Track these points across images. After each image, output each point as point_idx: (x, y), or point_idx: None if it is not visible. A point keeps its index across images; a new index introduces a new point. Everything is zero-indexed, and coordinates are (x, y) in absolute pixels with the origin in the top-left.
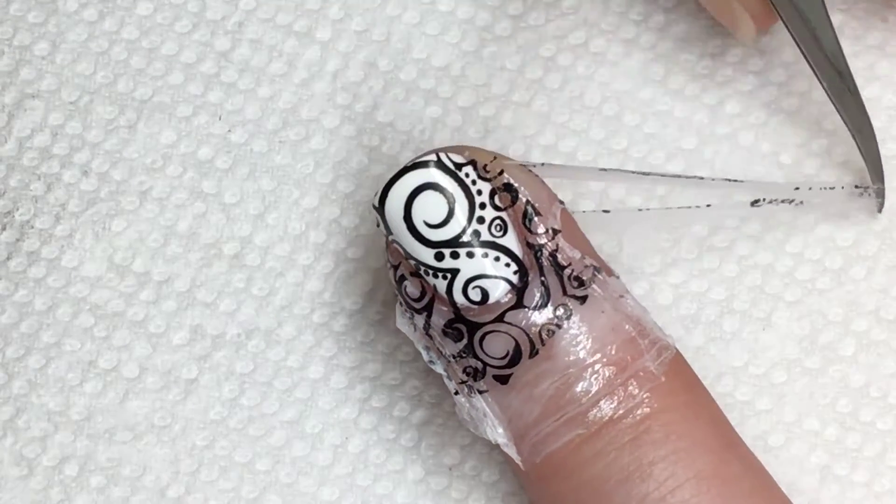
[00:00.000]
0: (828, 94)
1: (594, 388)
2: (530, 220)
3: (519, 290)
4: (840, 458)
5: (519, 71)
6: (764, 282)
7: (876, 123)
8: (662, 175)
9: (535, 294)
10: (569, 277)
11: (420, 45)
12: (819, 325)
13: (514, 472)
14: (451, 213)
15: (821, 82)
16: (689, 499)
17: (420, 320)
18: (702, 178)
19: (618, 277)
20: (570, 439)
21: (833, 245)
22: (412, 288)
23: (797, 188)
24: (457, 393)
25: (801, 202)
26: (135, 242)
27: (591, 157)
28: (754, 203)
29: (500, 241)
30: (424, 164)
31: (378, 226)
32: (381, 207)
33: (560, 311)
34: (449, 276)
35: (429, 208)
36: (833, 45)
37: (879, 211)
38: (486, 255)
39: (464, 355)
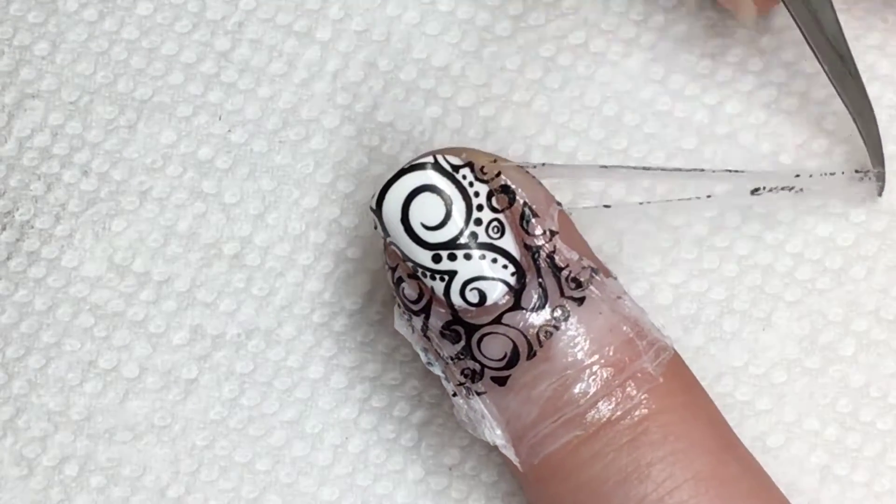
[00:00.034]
0: (829, 78)
1: (592, 390)
2: (528, 222)
3: (516, 292)
4: (840, 458)
5: (519, 71)
6: (764, 282)
7: None
8: (663, 169)
9: (532, 296)
10: (566, 279)
11: (420, 45)
12: (819, 325)
13: (512, 473)
14: (448, 215)
15: (822, 65)
16: (687, 500)
17: (418, 322)
18: (702, 171)
19: (615, 279)
20: (568, 441)
21: (833, 245)
22: (410, 290)
23: (797, 175)
24: (455, 395)
25: (802, 189)
26: (135, 242)
27: (591, 157)
28: (754, 191)
29: (497, 242)
30: (421, 167)
31: (375, 228)
32: (378, 209)
33: (558, 313)
34: (446, 277)
35: (426, 210)
36: (834, 28)
37: (879, 195)
38: (483, 257)
39: (462, 357)
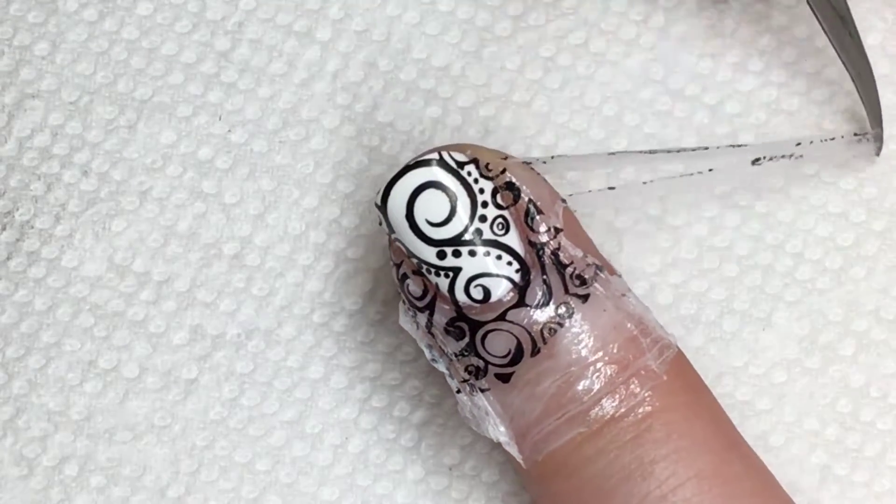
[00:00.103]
0: (829, 39)
1: (596, 387)
2: (532, 219)
3: (521, 289)
4: (840, 458)
5: (519, 71)
6: (764, 282)
7: None
8: (668, 151)
9: (536, 292)
10: (571, 276)
11: (420, 45)
12: (819, 325)
13: (515, 470)
14: (453, 212)
15: (822, 26)
16: (690, 498)
17: (422, 319)
18: (706, 148)
19: (620, 276)
20: (571, 438)
21: (833, 245)
22: (414, 286)
23: (798, 143)
24: (459, 391)
25: (801, 156)
26: (135, 242)
27: None
28: (755, 162)
29: (502, 239)
30: (427, 163)
31: (380, 224)
32: (383, 206)
33: (562, 310)
34: (451, 274)
35: (431, 207)
36: None
37: (877, 154)
38: (488, 254)
39: (466, 354)
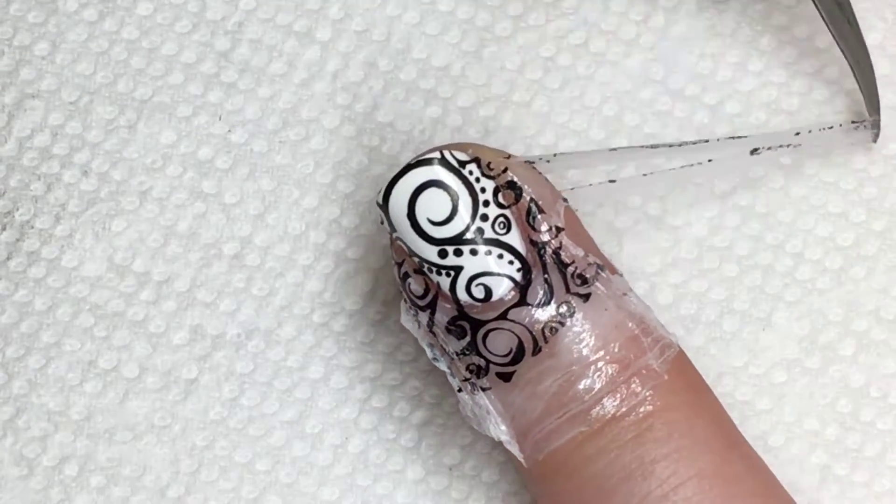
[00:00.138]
0: (827, 26)
1: (597, 386)
2: (534, 218)
3: (522, 288)
4: (840, 458)
5: (519, 71)
6: (764, 282)
7: None
8: (670, 145)
9: (538, 291)
10: (572, 275)
11: (420, 45)
12: (819, 325)
13: (516, 469)
14: (454, 211)
15: (820, 13)
16: (690, 497)
17: (424, 317)
18: (707, 141)
19: (621, 275)
20: (572, 437)
21: (833, 245)
22: (416, 285)
23: (797, 133)
24: (460, 390)
25: (800, 145)
26: (135, 242)
27: None
28: (754, 152)
29: (503, 238)
30: (428, 162)
31: (382, 223)
32: (384, 204)
33: (563, 309)
34: (452, 273)
35: (433, 205)
36: None
37: (874, 141)
38: (489, 253)
39: (467, 353)
